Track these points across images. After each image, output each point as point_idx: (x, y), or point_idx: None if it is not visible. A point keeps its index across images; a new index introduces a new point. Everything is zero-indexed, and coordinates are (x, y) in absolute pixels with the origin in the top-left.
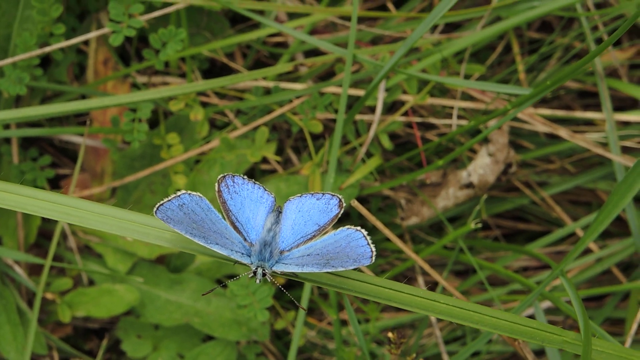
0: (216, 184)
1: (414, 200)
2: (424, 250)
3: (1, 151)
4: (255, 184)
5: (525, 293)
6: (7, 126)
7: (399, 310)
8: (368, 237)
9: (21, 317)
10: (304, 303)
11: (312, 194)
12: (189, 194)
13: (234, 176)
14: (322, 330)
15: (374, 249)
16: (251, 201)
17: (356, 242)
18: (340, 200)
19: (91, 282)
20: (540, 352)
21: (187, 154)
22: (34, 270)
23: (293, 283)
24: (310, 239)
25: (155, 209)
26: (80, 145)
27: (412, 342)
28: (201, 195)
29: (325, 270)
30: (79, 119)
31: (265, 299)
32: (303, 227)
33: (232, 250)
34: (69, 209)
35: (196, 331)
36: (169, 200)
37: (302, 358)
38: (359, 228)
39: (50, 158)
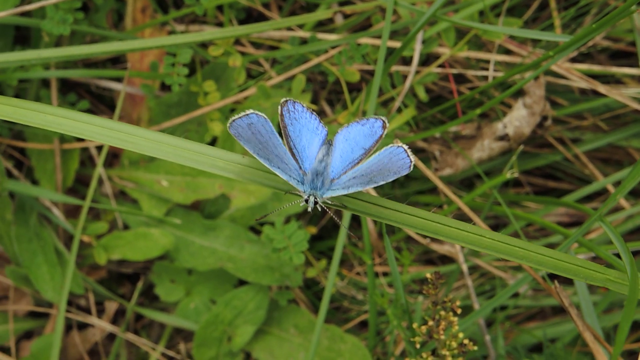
0: (279, 107)
1: (447, 152)
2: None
3: (40, 95)
4: (312, 113)
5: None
6: (47, 69)
7: (427, 263)
8: (408, 150)
9: (58, 257)
10: (338, 252)
11: (357, 121)
12: (257, 113)
13: (295, 102)
14: (352, 280)
15: (413, 159)
16: (308, 130)
17: (397, 157)
18: (383, 122)
19: (126, 227)
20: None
21: (224, 101)
22: (70, 214)
23: (323, 233)
24: (357, 163)
25: (228, 124)
26: (117, 91)
27: (441, 294)
28: (267, 117)
29: (368, 187)
30: (116, 66)
31: (300, 243)
32: (350, 153)
33: (290, 176)
34: (126, 135)
35: (228, 277)
36: (240, 117)
37: (332, 307)
38: (400, 144)
39: (88, 103)
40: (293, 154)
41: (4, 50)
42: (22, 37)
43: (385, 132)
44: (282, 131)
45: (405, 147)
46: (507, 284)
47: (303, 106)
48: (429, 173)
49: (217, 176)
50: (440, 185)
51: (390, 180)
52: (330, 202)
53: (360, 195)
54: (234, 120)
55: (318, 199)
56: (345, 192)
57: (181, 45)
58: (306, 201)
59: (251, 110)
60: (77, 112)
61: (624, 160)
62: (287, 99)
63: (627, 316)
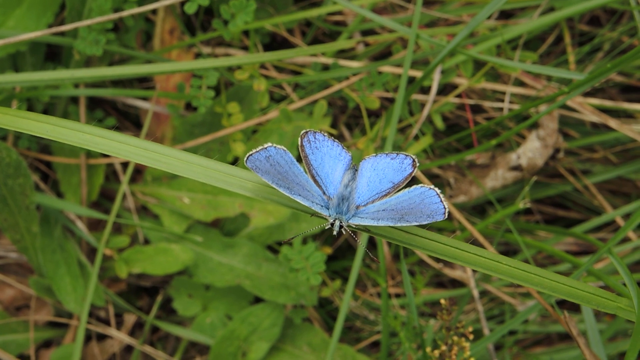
0: (299, 139)
1: (462, 180)
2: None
3: (69, 111)
4: (334, 141)
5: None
6: (76, 87)
7: (438, 286)
8: (441, 195)
9: (81, 269)
10: (354, 273)
11: (387, 154)
12: (275, 146)
13: (315, 132)
14: (365, 301)
15: (447, 206)
16: (330, 157)
17: (430, 200)
18: (413, 160)
19: (147, 242)
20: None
21: (247, 123)
22: (92, 227)
23: (338, 253)
24: (385, 195)
25: (245, 159)
26: (142, 109)
27: (451, 317)
28: (285, 148)
29: (399, 225)
30: (142, 84)
31: (318, 264)
32: (378, 184)
33: (312, 202)
34: (159, 155)
35: (244, 294)
36: (257, 151)
37: (345, 326)
38: (432, 187)
39: (115, 120)
40: (316, 181)
41: (35, 67)
42: (53, 53)
43: (415, 171)
44: (304, 160)
45: (438, 190)
46: (515, 309)
47: (324, 135)
48: (447, 203)
49: (238, 195)
50: (457, 215)
51: (424, 223)
52: (354, 227)
53: None
54: (250, 155)
55: (343, 223)
56: (374, 223)
57: (208, 68)
58: (332, 225)
59: (269, 144)
60: (113, 132)
61: (632, 192)
62: (307, 130)
63: (634, 346)
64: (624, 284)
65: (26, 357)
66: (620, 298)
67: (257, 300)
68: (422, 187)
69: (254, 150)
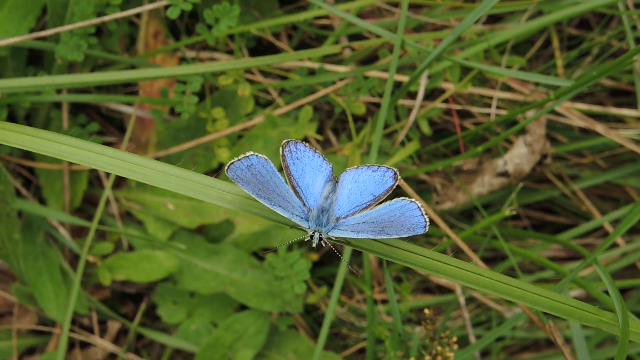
0: (280, 149)
1: (449, 186)
2: (457, 235)
3: (51, 116)
4: (315, 152)
5: (551, 282)
6: (58, 92)
7: (425, 292)
8: (422, 208)
9: (63, 277)
10: (339, 280)
11: (368, 166)
12: (257, 155)
13: (297, 142)
14: (352, 307)
15: (427, 219)
16: (311, 168)
17: (411, 213)
18: (395, 173)
19: (131, 248)
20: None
21: (232, 129)
22: (76, 233)
23: (324, 259)
24: (365, 208)
25: (226, 167)
26: (126, 114)
27: (438, 324)
28: (267, 158)
29: (380, 237)
30: (126, 89)
31: (302, 272)
32: (359, 196)
33: (292, 213)
34: (136, 166)
35: (229, 301)
36: (239, 160)
37: (331, 332)
38: (413, 199)
39: (98, 125)
40: (296, 192)
41: (17, 71)
42: (35, 57)
43: (396, 184)
44: (285, 171)
45: (419, 204)
46: (503, 316)
47: (305, 146)
48: (430, 211)
49: None
50: (442, 224)
51: (404, 236)
52: (334, 239)
53: None
54: (232, 163)
55: (323, 235)
56: (354, 235)
57: (192, 74)
58: (311, 237)
59: (251, 152)
60: (90, 143)
61: (620, 197)
62: (289, 140)
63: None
64: (606, 292)
65: None
66: (602, 312)
67: (243, 307)
68: (403, 200)
69: (235, 159)
